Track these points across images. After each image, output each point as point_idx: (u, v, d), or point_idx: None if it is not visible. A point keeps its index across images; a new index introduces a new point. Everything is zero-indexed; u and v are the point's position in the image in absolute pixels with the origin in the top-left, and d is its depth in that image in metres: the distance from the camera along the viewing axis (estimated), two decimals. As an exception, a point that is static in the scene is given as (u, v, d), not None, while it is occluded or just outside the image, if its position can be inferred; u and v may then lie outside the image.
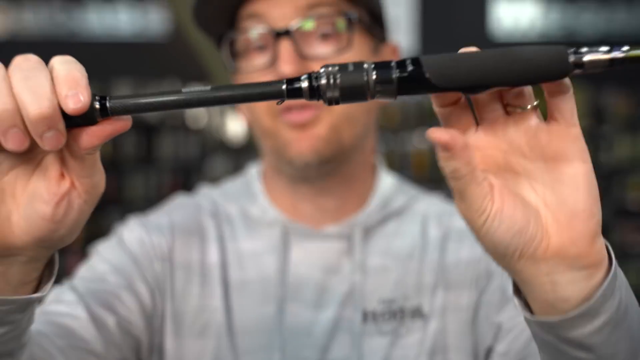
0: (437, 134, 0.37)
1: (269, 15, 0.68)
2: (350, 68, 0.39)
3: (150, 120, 3.69)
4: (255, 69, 0.69)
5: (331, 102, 0.39)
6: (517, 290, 0.45)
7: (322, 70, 0.39)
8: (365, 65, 0.39)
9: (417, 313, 0.73)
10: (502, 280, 0.70)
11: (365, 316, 0.72)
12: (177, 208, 0.79)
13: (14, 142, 0.37)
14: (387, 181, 0.80)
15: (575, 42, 4.01)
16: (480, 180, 0.39)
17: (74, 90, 0.37)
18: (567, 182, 0.40)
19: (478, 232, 0.41)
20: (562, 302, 0.41)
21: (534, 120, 0.40)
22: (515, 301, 0.45)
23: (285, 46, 0.66)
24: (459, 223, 0.75)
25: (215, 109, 3.67)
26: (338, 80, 0.39)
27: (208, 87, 0.40)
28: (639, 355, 0.45)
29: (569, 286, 0.41)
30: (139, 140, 3.76)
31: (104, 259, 0.71)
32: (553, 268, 0.41)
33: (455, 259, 0.75)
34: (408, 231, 0.77)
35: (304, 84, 0.39)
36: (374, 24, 0.73)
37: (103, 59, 3.76)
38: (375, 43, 0.74)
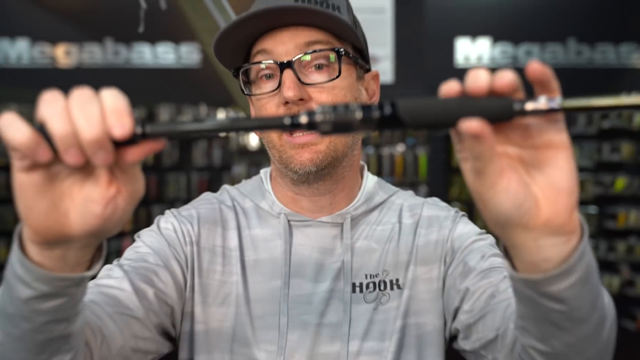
0: (470, 125, 0.36)
1: (275, 51, 0.67)
2: (340, 108, 0.39)
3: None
4: (265, 93, 0.68)
5: (324, 134, 0.39)
6: (506, 254, 0.45)
7: (318, 108, 0.39)
8: (352, 107, 0.39)
9: (395, 285, 0.73)
10: (463, 256, 0.71)
11: (354, 287, 0.72)
12: (204, 203, 0.78)
13: (72, 159, 0.37)
14: (370, 181, 0.79)
15: (516, 67, 3.97)
16: (497, 162, 0.39)
17: (120, 120, 0.37)
18: (553, 165, 0.40)
19: (487, 203, 0.41)
20: (545, 262, 0.42)
21: (527, 120, 0.39)
22: (505, 263, 0.46)
23: (288, 75, 0.65)
24: (426, 212, 0.77)
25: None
26: (330, 118, 0.38)
27: (230, 118, 0.40)
28: (596, 306, 0.46)
29: (551, 249, 0.41)
30: (176, 149, 3.72)
31: (145, 244, 0.71)
32: (540, 234, 0.41)
33: (425, 241, 0.75)
34: (387, 220, 0.77)
35: (304, 120, 0.39)
36: (358, 56, 0.72)
37: (148, 82, 3.77)
38: (359, 71, 0.73)
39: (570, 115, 3.60)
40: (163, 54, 3.82)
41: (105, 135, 0.37)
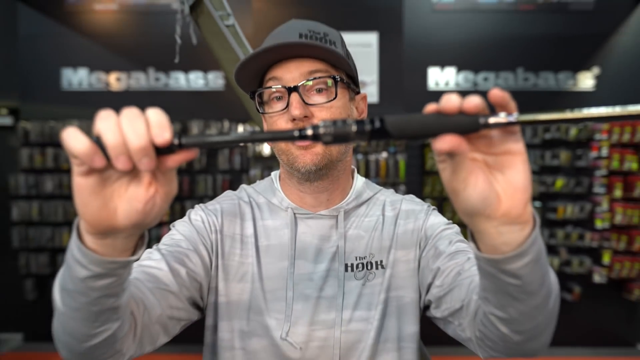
0: (446, 144, 0.37)
1: (284, 78, 0.67)
2: (339, 123, 0.39)
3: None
4: (276, 112, 0.68)
5: (326, 143, 0.40)
6: (472, 238, 0.46)
7: (321, 124, 0.40)
8: (349, 122, 0.39)
9: (379, 265, 0.73)
10: (434, 242, 0.71)
11: (346, 267, 0.72)
12: (226, 199, 0.78)
13: (121, 165, 0.37)
14: (359, 181, 0.79)
15: (476, 90, 3.98)
16: (468, 164, 0.40)
17: (161, 131, 0.37)
18: (512, 168, 0.40)
19: (458, 196, 0.41)
20: (504, 245, 0.43)
21: (492, 132, 0.40)
22: (471, 245, 0.46)
23: (294, 97, 0.65)
24: (404, 207, 0.77)
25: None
26: (331, 131, 0.39)
27: (249, 132, 0.40)
28: (545, 282, 0.47)
29: (509, 235, 0.42)
30: (204, 156, 3.71)
31: (179, 232, 0.71)
32: (500, 223, 0.41)
33: (403, 230, 0.74)
34: (373, 213, 0.77)
35: (309, 132, 0.40)
36: (350, 82, 0.72)
37: (182, 103, 3.75)
38: (351, 94, 0.73)
39: (520, 129, 3.60)
40: (194, 80, 3.81)
41: (149, 144, 0.37)
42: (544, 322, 0.50)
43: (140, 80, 3.78)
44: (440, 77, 3.75)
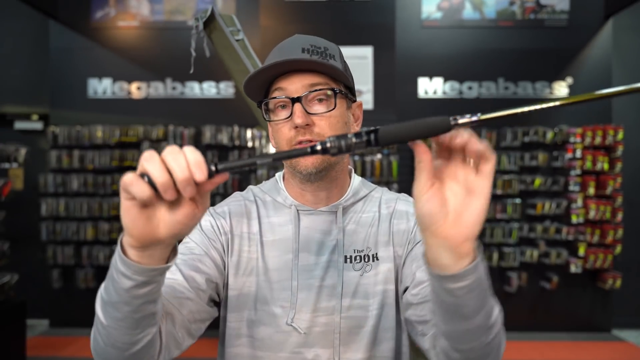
0: (422, 152, 0.42)
1: (288, 89, 0.66)
2: (342, 137, 0.43)
3: (222, 141, 3.66)
4: (281, 120, 0.67)
5: (333, 155, 0.43)
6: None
7: (327, 140, 0.43)
8: (349, 136, 0.42)
9: (375, 258, 0.72)
10: (418, 246, 0.71)
11: (346, 259, 0.71)
12: (234, 201, 0.77)
13: (169, 196, 0.40)
14: (356, 180, 0.78)
15: (462, 98, 3.98)
16: (429, 173, 0.42)
17: (199, 169, 0.40)
18: (471, 205, 0.41)
19: (418, 201, 0.43)
20: (441, 266, 0.44)
21: (471, 168, 0.42)
22: (422, 249, 0.48)
23: (297, 107, 0.65)
24: (399, 207, 0.76)
25: (262, 137, 3.65)
26: (335, 144, 0.43)
27: (270, 154, 0.43)
28: (481, 311, 0.46)
29: (445, 260, 0.43)
30: (216, 155, 3.71)
31: (192, 240, 0.70)
32: (439, 245, 0.42)
33: (397, 229, 0.73)
34: (369, 209, 0.76)
35: (319, 148, 0.43)
36: (347, 92, 0.71)
37: (197, 109, 3.80)
38: (349, 102, 0.72)
39: (500, 133, 3.61)
40: (207, 89, 3.83)
41: (191, 177, 0.40)
42: (480, 350, 0.49)
43: (158, 89, 3.81)
44: (429, 86, 3.79)
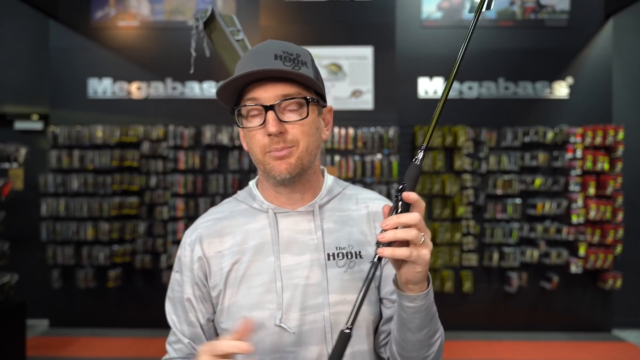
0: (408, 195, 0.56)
1: (261, 97, 0.66)
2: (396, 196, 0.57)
3: (222, 141, 3.67)
4: (254, 127, 0.68)
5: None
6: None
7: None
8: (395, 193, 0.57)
9: (358, 255, 0.73)
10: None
11: (328, 256, 0.72)
12: (203, 222, 0.77)
13: None
14: (329, 179, 0.79)
15: (462, 99, 3.97)
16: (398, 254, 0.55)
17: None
18: (414, 275, 0.58)
19: (397, 270, 0.59)
20: (407, 290, 0.61)
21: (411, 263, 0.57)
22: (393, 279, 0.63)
23: (271, 115, 0.65)
24: (373, 208, 0.79)
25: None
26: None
27: None
28: (423, 329, 0.63)
29: (413, 289, 0.61)
30: (216, 155, 3.72)
31: (179, 283, 0.76)
32: (410, 282, 0.59)
33: (378, 232, 0.74)
34: (345, 207, 0.78)
35: (376, 260, 0.58)
36: (319, 98, 0.72)
37: (197, 109, 3.80)
38: (320, 108, 0.73)
39: (500, 133, 3.62)
40: (207, 89, 3.84)
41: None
42: None
43: (158, 89, 3.82)
44: (429, 86, 3.79)
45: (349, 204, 0.78)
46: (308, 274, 0.71)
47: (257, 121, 0.68)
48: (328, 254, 0.72)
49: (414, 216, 0.54)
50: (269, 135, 0.66)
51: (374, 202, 0.79)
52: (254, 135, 0.68)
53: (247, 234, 0.74)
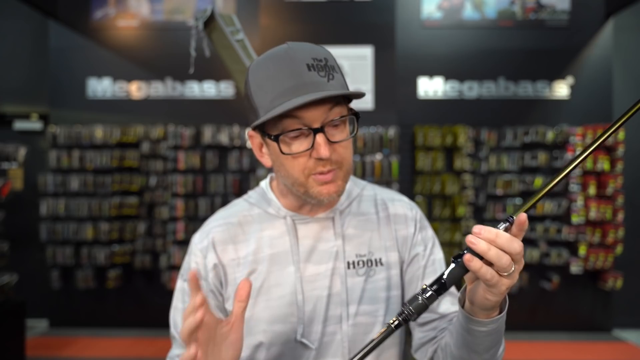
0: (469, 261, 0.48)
1: (305, 117, 0.59)
2: (414, 301, 0.51)
3: (222, 141, 3.66)
4: (300, 151, 0.61)
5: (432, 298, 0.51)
6: (464, 295, 0.57)
7: (405, 312, 0.50)
8: (419, 299, 0.51)
9: (379, 262, 0.71)
10: (425, 269, 0.74)
11: (348, 265, 0.69)
12: (216, 227, 0.72)
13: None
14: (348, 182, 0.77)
15: (462, 99, 3.97)
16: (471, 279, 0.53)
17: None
18: (482, 301, 0.52)
19: (468, 284, 0.55)
20: (472, 311, 0.55)
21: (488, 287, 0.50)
22: (461, 296, 0.58)
23: (321, 138, 0.59)
24: (397, 210, 0.76)
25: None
26: (412, 310, 0.51)
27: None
28: (490, 350, 0.57)
29: (479, 314, 0.54)
30: (216, 155, 3.72)
31: (187, 292, 0.70)
32: (477, 306, 0.53)
33: (399, 235, 0.74)
34: (366, 211, 0.74)
35: (401, 321, 0.51)
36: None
37: (197, 109, 3.81)
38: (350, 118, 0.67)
39: (500, 133, 3.61)
40: (207, 89, 3.84)
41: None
42: None
43: (158, 89, 3.82)
44: (429, 86, 3.79)
45: (368, 206, 0.75)
46: (329, 284, 0.68)
47: (301, 144, 0.60)
48: (348, 262, 0.69)
49: (516, 246, 0.47)
50: (319, 159, 0.60)
51: (394, 203, 0.76)
52: (297, 158, 0.61)
53: (261, 242, 0.70)
